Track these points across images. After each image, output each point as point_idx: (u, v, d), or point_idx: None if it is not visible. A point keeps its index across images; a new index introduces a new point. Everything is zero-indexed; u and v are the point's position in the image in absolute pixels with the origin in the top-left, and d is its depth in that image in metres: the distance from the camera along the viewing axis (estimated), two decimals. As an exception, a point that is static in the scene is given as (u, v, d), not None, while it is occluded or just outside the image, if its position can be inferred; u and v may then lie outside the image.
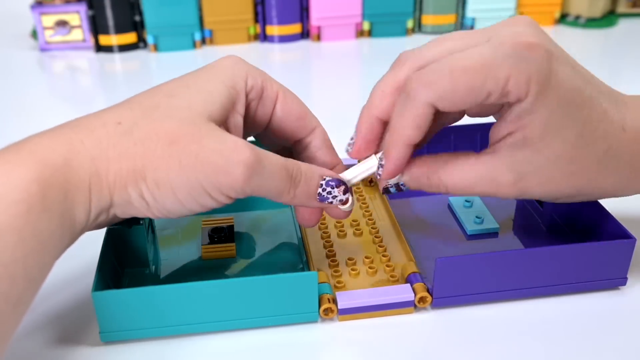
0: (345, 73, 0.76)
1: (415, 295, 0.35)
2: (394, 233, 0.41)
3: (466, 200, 0.44)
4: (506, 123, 0.32)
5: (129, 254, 0.37)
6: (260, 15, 0.82)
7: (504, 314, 0.36)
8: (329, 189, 0.34)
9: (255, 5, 0.81)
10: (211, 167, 0.29)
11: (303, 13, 0.83)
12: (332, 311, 0.34)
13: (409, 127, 0.31)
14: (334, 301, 0.35)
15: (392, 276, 0.37)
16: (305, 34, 0.84)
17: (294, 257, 0.39)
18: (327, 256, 0.39)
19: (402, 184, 0.34)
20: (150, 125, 0.30)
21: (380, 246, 0.39)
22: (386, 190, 0.35)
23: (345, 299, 0.35)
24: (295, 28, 0.83)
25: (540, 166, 0.32)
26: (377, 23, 0.84)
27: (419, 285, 0.35)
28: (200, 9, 0.80)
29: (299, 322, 0.35)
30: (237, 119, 0.33)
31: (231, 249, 0.39)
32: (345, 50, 0.82)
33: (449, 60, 0.31)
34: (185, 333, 0.34)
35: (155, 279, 0.38)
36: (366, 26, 0.84)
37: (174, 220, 0.42)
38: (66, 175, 0.28)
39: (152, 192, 0.30)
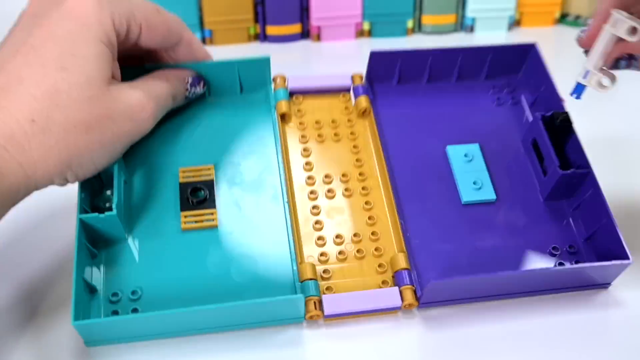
0: (345, 73, 0.76)
1: (402, 302, 0.35)
2: (384, 200, 0.39)
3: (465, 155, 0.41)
4: None
5: (104, 239, 0.36)
6: (260, 15, 0.82)
7: (502, 313, 0.36)
8: (192, 88, 0.40)
9: (255, 5, 0.82)
10: (127, 134, 0.33)
11: (303, 13, 0.83)
12: (317, 316, 0.35)
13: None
14: (320, 304, 0.35)
15: (380, 265, 0.37)
16: (305, 34, 0.85)
17: (279, 231, 0.38)
18: (315, 229, 0.38)
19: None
20: (63, 115, 0.31)
21: (370, 223, 0.39)
22: (616, 64, 0.38)
23: (331, 306, 0.35)
24: (295, 28, 0.83)
25: None
26: (377, 23, 0.84)
27: (406, 290, 0.35)
28: (200, 9, 0.80)
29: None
30: (115, 65, 0.35)
31: (212, 218, 0.37)
32: (345, 51, 0.82)
33: None
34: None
35: (132, 258, 0.36)
36: (366, 26, 0.84)
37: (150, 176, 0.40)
38: None
39: (75, 174, 0.32)
